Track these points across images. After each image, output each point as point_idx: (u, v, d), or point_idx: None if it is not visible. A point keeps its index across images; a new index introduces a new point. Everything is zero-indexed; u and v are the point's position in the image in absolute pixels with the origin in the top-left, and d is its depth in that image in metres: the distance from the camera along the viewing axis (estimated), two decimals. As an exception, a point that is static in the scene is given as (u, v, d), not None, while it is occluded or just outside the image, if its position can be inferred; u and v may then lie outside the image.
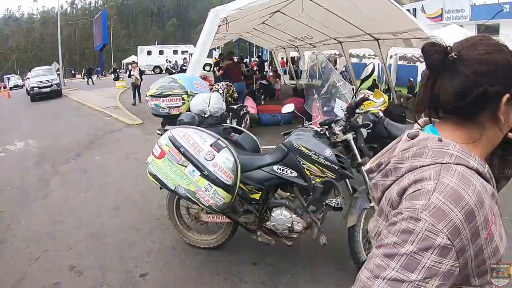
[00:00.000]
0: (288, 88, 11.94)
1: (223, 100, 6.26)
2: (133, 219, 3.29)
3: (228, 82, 6.77)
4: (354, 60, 12.12)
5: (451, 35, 7.22)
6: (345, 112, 2.28)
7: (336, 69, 10.11)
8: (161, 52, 30.34)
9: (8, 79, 29.08)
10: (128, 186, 4.21)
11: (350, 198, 2.30)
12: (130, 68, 14.16)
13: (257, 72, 12.89)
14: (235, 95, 6.75)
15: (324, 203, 2.16)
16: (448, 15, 11.79)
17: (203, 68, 15.66)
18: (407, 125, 3.36)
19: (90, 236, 3.04)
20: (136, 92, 11.02)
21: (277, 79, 11.31)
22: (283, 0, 5.22)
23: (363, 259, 2.11)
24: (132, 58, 34.11)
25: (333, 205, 2.10)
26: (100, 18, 30.18)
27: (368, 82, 4.28)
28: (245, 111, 6.33)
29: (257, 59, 18.56)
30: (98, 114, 10.13)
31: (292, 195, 2.28)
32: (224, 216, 2.44)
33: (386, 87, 8.63)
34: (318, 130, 2.26)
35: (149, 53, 30.95)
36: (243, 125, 6.20)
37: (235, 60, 9.52)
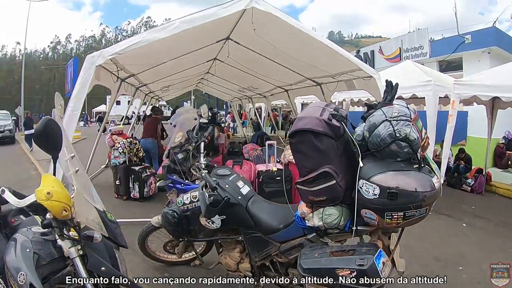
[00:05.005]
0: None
1: (125, 160, 5.26)
2: None
3: (131, 139, 5.80)
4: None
5: (400, 73, 6.23)
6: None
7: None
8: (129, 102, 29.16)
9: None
10: None
11: None
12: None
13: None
14: (141, 154, 5.88)
15: None
16: (407, 54, 10.86)
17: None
18: (280, 205, 2.20)
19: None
20: None
21: (220, 133, 8.81)
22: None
23: None
24: (102, 108, 34.21)
25: None
26: (72, 65, 28.95)
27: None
28: (149, 173, 5.32)
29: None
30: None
31: None
32: None
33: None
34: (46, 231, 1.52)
35: (118, 103, 30.20)
36: (146, 189, 5.22)
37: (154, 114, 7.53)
